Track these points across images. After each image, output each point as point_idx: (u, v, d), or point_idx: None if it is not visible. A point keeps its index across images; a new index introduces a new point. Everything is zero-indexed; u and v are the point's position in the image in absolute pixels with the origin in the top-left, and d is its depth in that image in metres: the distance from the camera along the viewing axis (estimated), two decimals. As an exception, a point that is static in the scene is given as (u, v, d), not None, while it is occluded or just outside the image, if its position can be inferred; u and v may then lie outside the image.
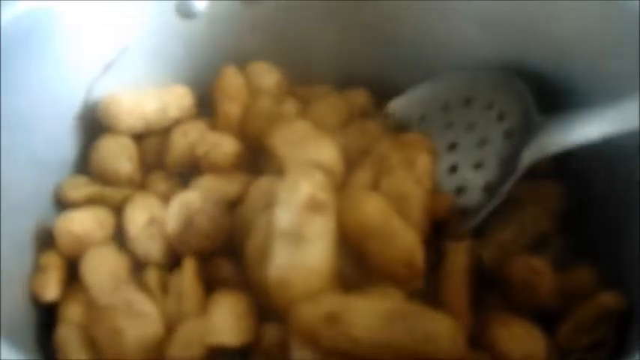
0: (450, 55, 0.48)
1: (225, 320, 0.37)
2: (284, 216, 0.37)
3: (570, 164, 0.43)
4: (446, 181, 0.44)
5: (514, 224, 0.43)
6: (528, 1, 0.43)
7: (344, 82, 0.50)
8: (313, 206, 0.37)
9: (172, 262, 0.41)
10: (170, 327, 0.38)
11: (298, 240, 0.36)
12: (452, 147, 0.45)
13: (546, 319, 0.39)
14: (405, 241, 0.37)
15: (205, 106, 0.48)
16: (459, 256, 0.39)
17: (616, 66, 0.41)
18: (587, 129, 0.38)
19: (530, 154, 0.40)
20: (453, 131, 0.45)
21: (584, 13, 0.42)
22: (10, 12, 0.40)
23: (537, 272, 0.39)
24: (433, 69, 0.48)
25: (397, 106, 0.48)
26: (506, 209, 0.42)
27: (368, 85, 0.50)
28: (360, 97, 0.50)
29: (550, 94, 0.43)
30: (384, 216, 0.38)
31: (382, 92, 0.49)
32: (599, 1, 0.41)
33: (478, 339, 0.37)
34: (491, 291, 0.41)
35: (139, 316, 0.36)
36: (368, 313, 0.34)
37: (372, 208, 0.38)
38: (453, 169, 0.44)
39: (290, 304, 0.35)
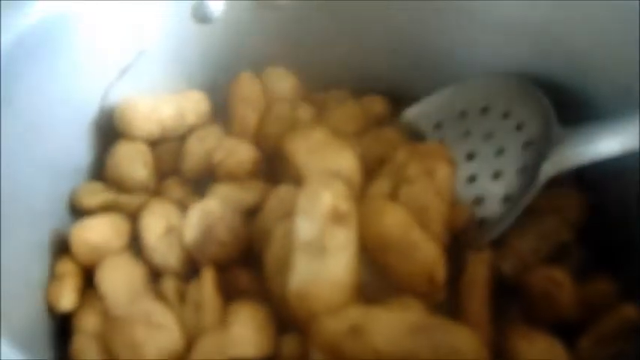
0: (467, 63, 0.48)
1: (246, 332, 0.37)
2: (305, 226, 0.37)
3: (590, 173, 0.43)
4: (464, 191, 0.43)
5: (533, 234, 0.42)
6: (548, 10, 0.43)
7: (360, 89, 0.50)
8: (336, 217, 0.37)
9: (189, 271, 0.41)
10: (189, 338, 0.37)
11: (320, 252, 0.36)
12: (470, 156, 0.45)
13: (566, 330, 0.39)
14: (426, 254, 0.37)
15: (221, 112, 0.48)
16: (478, 268, 0.39)
17: (636, 77, 0.41)
18: (610, 142, 0.39)
19: (550, 167, 0.40)
20: (471, 140, 0.45)
21: (605, 24, 0.42)
22: (26, 18, 0.40)
23: (557, 283, 0.39)
24: (450, 76, 0.48)
25: (413, 113, 0.48)
26: (525, 219, 0.42)
27: (384, 92, 0.50)
28: (376, 104, 0.50)
29: (568, 105, 0.43)
30: (404, 228, 0.38)
31: (398, 99, 0.49)
32: (621, 12, 0.41)
33: (498, 351, 0.37)
34: (511, 302, 0.41)
35: (157, 328, 0.36)
36: (391, 326, 0.34)
37: (393, 220, 0.38)
38: (472, 178, 0.44)
39: (312, 317, 0.35)
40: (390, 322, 0.34)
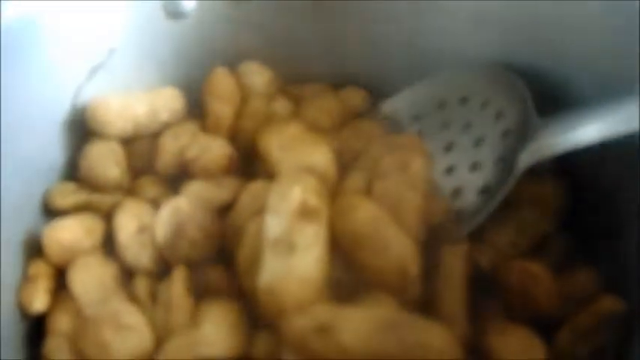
0: (446, 54, 0.47)
1: (216, 331, 0.37)
2: (275, 223, 0.37)
3: (569, 163, 0.43)
4: (443, 183, 0.43)
5: (512, 226, 0.42)
6: (534, 6, 0.43)
7: (338, 82, 0.50)
8: (305, 213, 0.36)
9: (162, 270, 0.41)
10: (159, 340, 0.37)
11: (289, 248, 0.36)
12: (448, 147, 0.44)
13: (545, 324, 0.39)
14: (399, 249, 0.37)
15: (196, 109, 0.48)
16: (455, 261, 0.38)
17: (615, 66, 0.40)
18: (587, 131, 0.38)
19: (528, 157, 0.39)
20: (450, 131, 0.45)
21: (583, 12, 0.41)
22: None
23: (535, 278, 0.38)
24: (429, 67, 0.48)
25: (392, 105, 0.48)
26: (504, 210, 0.42)
27: (362, 85, 0.50)
28: (355, 97, 0.49)
29: (547, 94, 0.43)
30: (377, 223, 0.37)
31: (376, 92, 0.49)
32: (599, 1, 0.40)
33: (475, 347, 0.37)
34: (488, 297, 0.40)
35: (126, 329, 0.36)
36: (358, 324, 0.33)
37: (365, 216, 0.37)
38: (450, 170, 0.43)
39: (280, 314, 0.35)
40: (359, 320, 0.34)
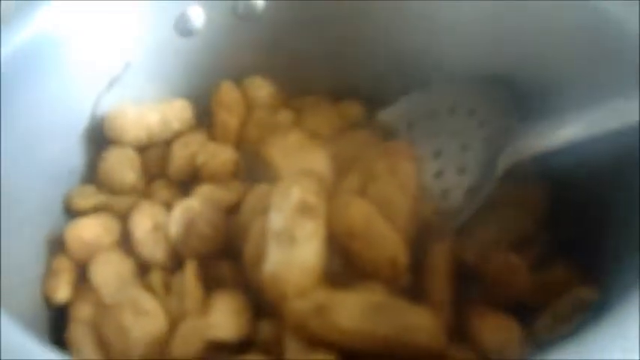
0: (436, 67, 0.54)
1: (224, 317, 0.42)
2: (277, 219, 0.42)
3: (551, 168, 0.48)
4: (432, 185, 0.49)
5: (496, 225, 0.47)
6: (510, 16, 0.49)
7: (336, 94, 0.56)
8: (304, 210, 0.42)
9: (175, 265, 0.46)
10: (173, 324, 0.42)
11: (290, 240, 0.40)
12: (438, 154, 0.50)
13: (527, 312, 0.44)
14: (389, 242, 0.42)
15: (204, 119, 0.53)
16: (440, 254, 0.44)
17: (591, 73, 0.46)
18: (559, 134, 0.43)
19: (507, 159, 0.45)
20: (439, 139, 0.51)
21: (560, 24, 0.47)
22: (21, 35, 0.45)
23: (513, 268, 0.44)
24: (421, 80, 0.54)
25: (387, 115, 0.54)
26: (490, 211, 0.47)
27: (359, 97, 0.56)
28: (352, 108, 0.55)
29: (528, 102, 0.48)
30: (368, 219, 0.43)
31: (373, 103, 0.55)
32: (576, 12, 0.46)
33: (458, 330, 0.42)
34: (472, 286, 0.45)
35: (143, 314, 0.41)
36: (353, 306, 0.38)
37: (358, 212, 0.43)
38: (439, 174, 0.49)
39: (283, 299, 0.40)
40: (353, 303, 0.39)
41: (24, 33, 0.46)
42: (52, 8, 0.47)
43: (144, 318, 0.42)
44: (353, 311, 0.39)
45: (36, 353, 0.33)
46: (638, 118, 0.40)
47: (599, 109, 0.42)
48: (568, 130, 0.42)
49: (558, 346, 0.31)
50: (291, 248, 0.40)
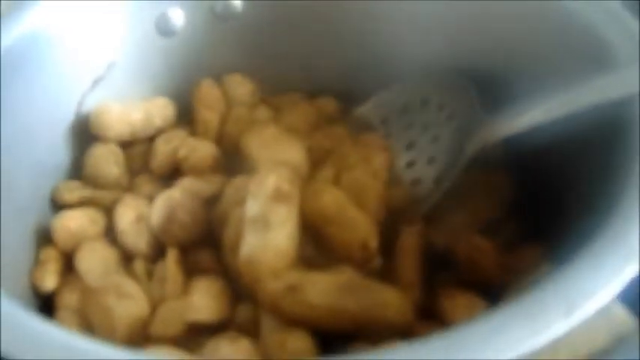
0: (409, 63, 0.57)
1: (203, 299, 0.44)
2: (253, 205, 0.44)
3: (517, 153, 0.51)
4: (404, 175, 0.51)
5: (465, 211, 0.50)
6: (477, 13, 0.52)
7: (312, 91, 0.59)
8: (278, 196, 0.44)
9: (157, 255, 0.48)
10: (154, 308, 0.44)
11: (265, 225, 0.43)
12: (410, 146, 0.53)
13: (492, 291, 0.46)
14: (360, 226, 0.45)
15: (185, 116, 0.56)
16: (409, 238, 0.46)
17: (551, 61, 0.49)
18: (521, 120, 0.45)
19: (471, 147, 0.48)
20: (411, 131, 0.53)
21: (525, 17, 0.50)
22: (9, 35, 0.48)
23: (480, 250, 0.46)
24: (394, 77, 0.56)
25: (363, 110, 0.56)
26: (460, 197, 0.50)
27: (335, 93, 0.58)
28: (328, 105, 0.58)
29: (494, 93, 0.51)
30: (340, 205, 0.45)
31: (348, 99, 0.58)
32: (539, 7, 0.49)
33: (428, 309, 0.44)
34: (444, 270, 0.48)
35: (127, 297, 0.43)
36: (324, 285, 0.41)
37: (330, 198, 0.45)
38: (410, 164, 0.52)
39: (257, 280, 0.42)
40: (324, 282, 0.41)
41: (11, 33, 0.49)
42: (37, 9, 0.50)
43: (127, 300, 0.44)
44: (324, 290, 0.41)
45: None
46: (596, 101, 0.43)
47: (559, 95, 0.44)
48: (531, 115, 0.45)
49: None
50: (266, 233, 0.43)
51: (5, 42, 0.48)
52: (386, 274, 0.46)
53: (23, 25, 0.49)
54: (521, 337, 0.30)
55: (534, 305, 0.31)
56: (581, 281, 0.32)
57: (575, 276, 0.32)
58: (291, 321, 0.41)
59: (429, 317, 0.44)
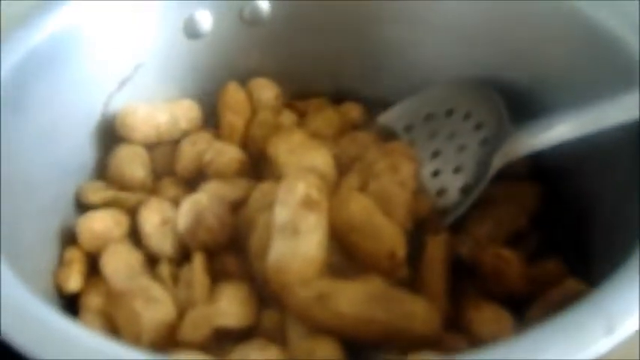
0: (434, 71, 0.57)
1: (230, 305, 0.44)
2: (282, 212, 0.44)
3: (544, 165, 0.52)
4: (429, 184, 0.52)
5: (491, 221, 0.51)
6: (504, 23, 0.53)
7: (338, 96, 0.59)
8: (308, 204, 0.44)
9: (182, 258, 0.49)
10: (181, 312, 0.45)
11: (294, 232, 0.43)
12: (435, 154, 0.53)
13: (518, 304, 0.46)
14: (388, 234, 0.45)
15: (211, 118, 0.57)
16: (436, 248, 0.47)
17: (581, 76, 0.50)
18: (550, 134, 0.47)
19: (500, 159, 0.49)
20: (437, 140, 0.54)
21: (550, 30, 0.51)
22: (36, 35, 0.49)
23: (506, 261, 0.47)
24: (419, 84, 0.57)
25: (386, 117, 0.57)
26: (485, 208, 0.51)
27: (360, 99, 0.59)
28: (353, 110, 0.59)
29: (522, 105, 0.52)
30: (368, 213, 0.46)
31: (373, 105, 0.58)
32: (568, 18, 0.50)
33: (454, 320, 0.45)
34: (469, 281, 0.48)
35: (153, 301, 0.44)
36: (353, 294, 0.41)
37: (358, 207, 0.46)
38: (436, 173, 0.52)
39: (286, 288, 0.42)
40: (354, 291, 0.42)
41: (38, 33, 0.49)
42: (64, 9, 0.50)
43: (154, 305, 0.44)
44: (353, 299, 0.42)
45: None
46: (626, 118, 0.44)
47: (589, 110, 0.45)
48: (559, 131, 0.46)
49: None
50: (295, 240, 0.43)
51: (32, 42, 0.49)
52: (411, 283, 0.47)
53: (50, 25, 0.50)
54: (562, 356, 0.31)
55: (575, 324, 0.32)
56: (621, 299, 0.33)
57: (615, 294, 0.33)
58: (320, 329, 0.42)
59: (453, 327, 0.45)
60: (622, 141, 0.45)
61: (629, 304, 0.32)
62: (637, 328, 0.32)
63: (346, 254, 0.46)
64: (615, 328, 0.32)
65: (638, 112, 0.43)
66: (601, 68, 0.48)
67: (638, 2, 0.49)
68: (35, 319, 0.35)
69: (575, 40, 0.50)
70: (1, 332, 0.34)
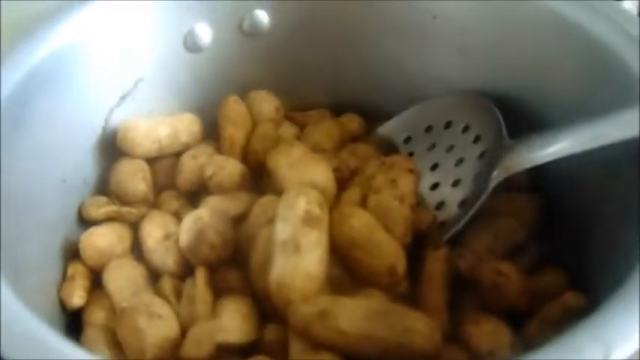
0: (433, 83, 0.58)
1: (232, 321, 0.46)
2: (283, 228, 0.45)
3: (543, 179, 0.53)
4: (428, 197, 0.53)
5: (490, 234, 0.51)
6: (503, 37, 0.53)
7: (337, 108, 0.60)
8: (309, 220, 0.45)
9: (184, 273, 0.50)
10: (184, 328, 0.46)
11: (295, 249, 0.44)
12: (434, 167, 0.54)
13: (517, 318, 0.47)
14: (388, 250, 0.46)
15: (212, 132, 0.57)
16: (436, 263, 0.48)
17: (581, 91, 0.50)
18: (549, 149, 0.47)
19: (499, 173, 0.49)
20: (436, 152, 0.55)
21: (548, 44, 0.52)
22: (38, 52, 0.49)
23: (504, 275, 0.47)
24: (419, 95, 0.58)
25: (386, 129, 0.58)
26: (484, 221, 0.51)
27: (359, 111, 0.60)
28: (352, 122, 0.60)
29: (522, 118, 0.53)
30: (369, 229, 0.47)
31: (372, 117, 0.59)
32: (563, 32, 0.50)
33: (455, 336, 0.46)
34: (468, 294, 0.49)
35: (157, 318, 0.45)
36: (354, 310, 0.42)
37: (359, 222, 0.47)
38: (435, 186, 0.53)
39: (288, 304, 0.43)
40: (354, 307, 0.42)
41: (39, 49, 0.49)
42: (65, 25, 0.51)
43: (157, 321, 0.45)
44: (354, 315, 0.42)
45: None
46: (626, 136, 0.44)
47: (589, 126, 0.46)
48: (559, 146, 0.46)
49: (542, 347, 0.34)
50: (296, 256, 0.44)
51: (34, 58, 0.49)
52: (411, 297, 0.48)
53: (51, 41, 0.50)
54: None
55: (572, 348, 0.33)
56: (619, 324, 0.34)
57: (612, 317, 0.34)
58: (321, 345, 0.43)
59: (452, 341, 0.46)
60: (622, 154, 0.46)
61: (627, 329, 0.33)
62: (634, 352, 0.33)
63: (346, 269, 0.47)
64: (612, 353, 0.33)
65: (638, 130, 0.44)
66: (600, 83, 0.49)
67: (638, 17, 0.50)
68: (35, 340, 0.36)
69: (575, 54, 0.50)
70: (1, 353, 0.35)
